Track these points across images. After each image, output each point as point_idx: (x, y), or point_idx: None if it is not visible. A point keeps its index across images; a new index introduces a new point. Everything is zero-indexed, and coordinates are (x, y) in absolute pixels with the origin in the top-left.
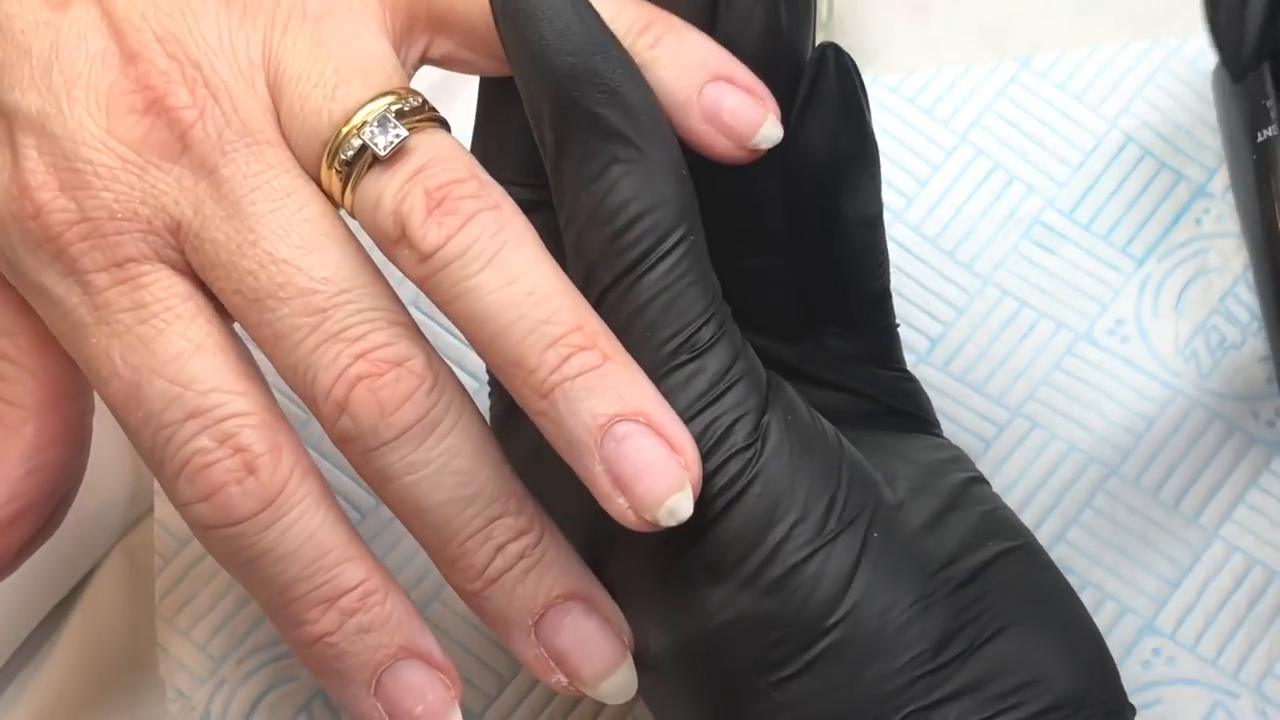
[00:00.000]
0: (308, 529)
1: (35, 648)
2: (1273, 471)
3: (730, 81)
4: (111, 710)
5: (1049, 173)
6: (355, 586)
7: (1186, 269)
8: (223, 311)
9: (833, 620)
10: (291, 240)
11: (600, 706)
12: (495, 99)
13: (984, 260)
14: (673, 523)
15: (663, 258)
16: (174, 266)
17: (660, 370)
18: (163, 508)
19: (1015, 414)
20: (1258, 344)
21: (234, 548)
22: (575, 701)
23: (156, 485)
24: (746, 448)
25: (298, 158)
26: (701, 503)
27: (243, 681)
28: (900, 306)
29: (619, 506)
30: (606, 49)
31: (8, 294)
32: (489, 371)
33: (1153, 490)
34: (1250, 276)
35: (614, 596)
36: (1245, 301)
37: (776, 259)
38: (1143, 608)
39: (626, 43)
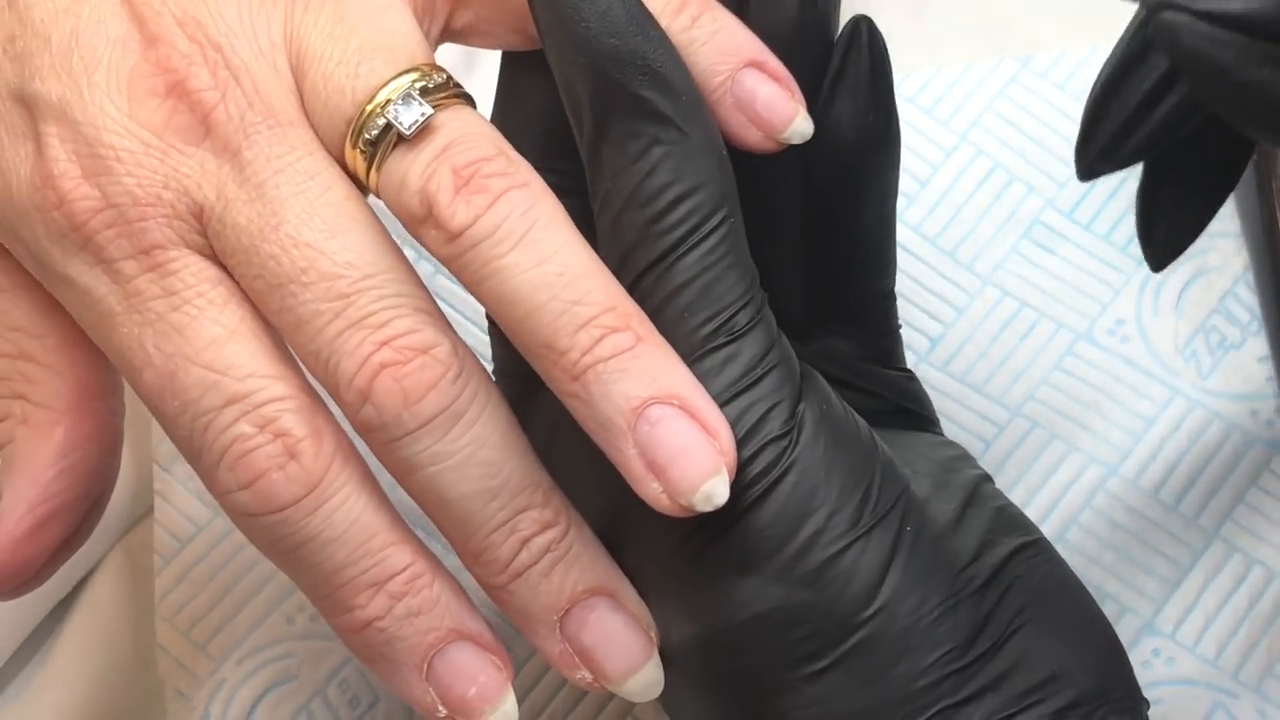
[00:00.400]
0: (352, 513)
1: (35, 647)
2: (1273, 471)
3: (762, 69)
4: (112, 710)
5: (1049, 173)
6: (403, 569)
7: (1186, 269)
8: None
9: (866, 615)
10: (315, 224)
11: (601, 705)
12: (516, 78)
13: (984, 260)
14: (709, 508)
15: (703, 239)
16: (200, 252)
17: (695, 353)
18: (163, 508)
19: (1015, 414)
20: (1258, 344)
21: (277, 535)
22: (577, 700)
23: (156, 485)
24: (781, 436)
25: (321, 139)
26: (734, 491)
27: (243, 681)
28: (900, 306)
29: (653, 491)
30: (646, 30)
31: (34, 296)
32: (497, 361)
33: (1153, 490)
34: (1250, 276)
35: (637, 585)
36: (1245, 301)
37: (789, 251)
38: (1143, 608)
39: (662, 23)
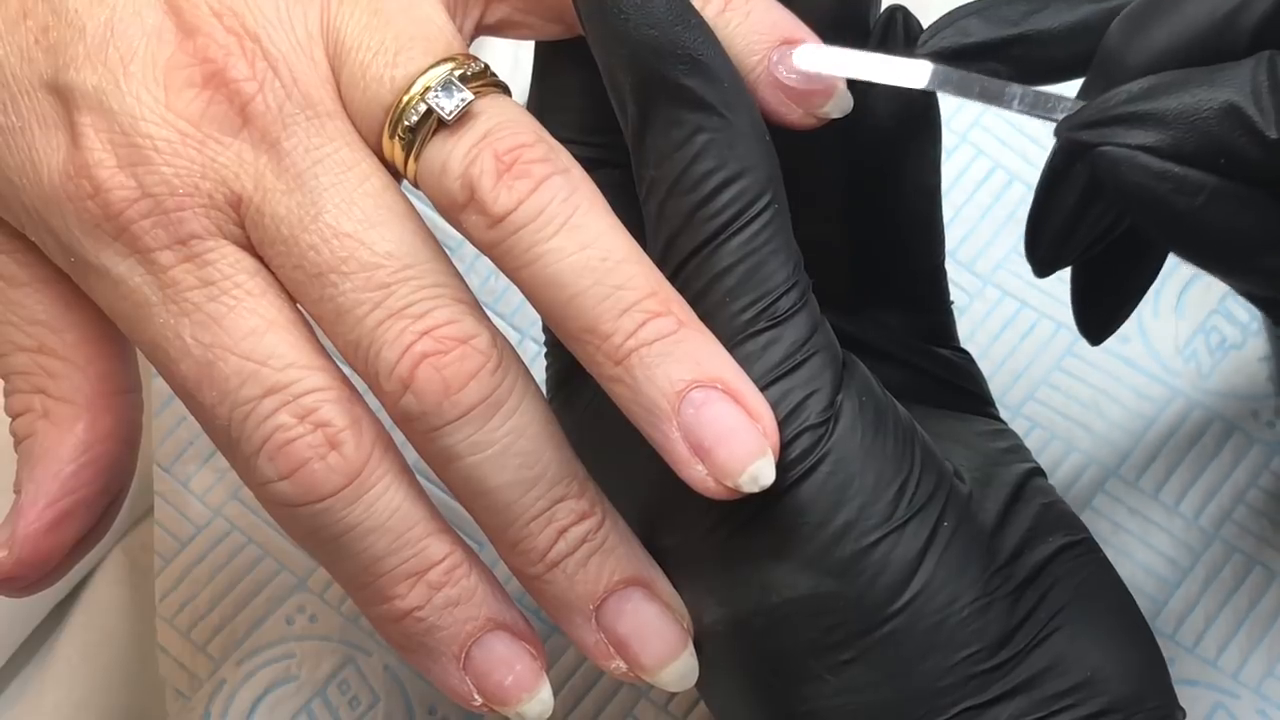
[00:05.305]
0: (393, 503)
1: (36, 647)
2: (1273, 471)
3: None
4: (112, 710)
5: None
6: (442, 559)
7: (1186, 269)
8: None
9: (894, 608)
10: (354, 214)
11: (601, 705)
12: (552, 56)
13: (984, 260)
14: (755, 489)
15: (747, 224)
16: (237, 242)
17: (736, 337)
18: (163, 508)
19: (1015, 414)
20: (1258, 344)
21: (317, 525)
22: (577, 699)
23: (156, 485)
24: (819, 424)
25: (358, 129)
26: None
27: (243, 681)
28: None
29: (697, 474)
30: (686, 19)
31: (56, 290)
32: (548, 332)
33: (1153, 491)
34: None
35: (669, 567)
36: (1245, 302)
37: (833, 227)
38: (1143, 609)
39: (695, 5)
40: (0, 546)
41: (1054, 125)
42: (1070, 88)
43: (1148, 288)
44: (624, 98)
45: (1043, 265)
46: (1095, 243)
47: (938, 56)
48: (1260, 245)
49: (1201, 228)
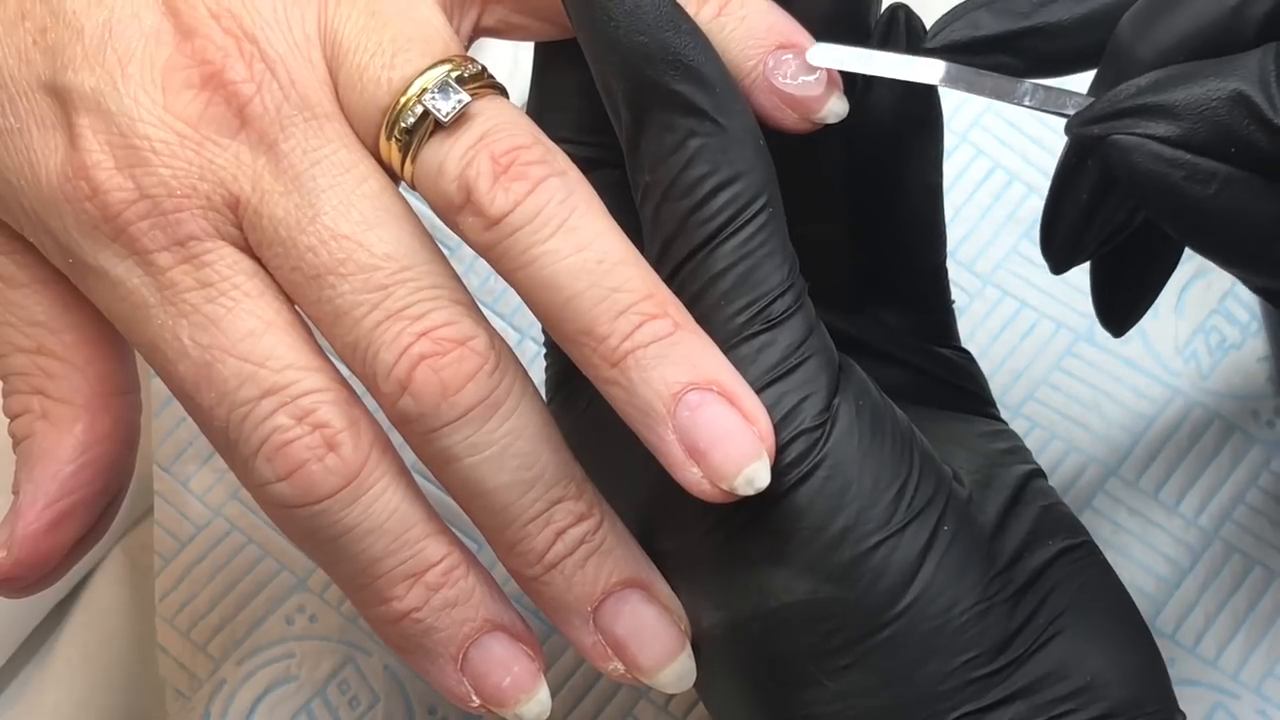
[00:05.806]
0: (391, 504)
1: (36, 647)
2: (1273, 471)
3: (795, 50)
4: (112, 710)
5: (1049, 172)
6: (440, 560)
7: (1186, 269)
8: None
9: (893, 613)
10: (352, 216)
11: (600, 706)
12: (551, 56)
13: (984, 260)
14: (750, 492)
15: (741, 228)
16: (235, 244)
17: (731, 340)
18: (163, 508)
19: (1015, 414)
20: (1258, 344)
21: (315, 526)
22: (576, 700)
23: (156, 485)
24: (815, 428)
25: (355, 131)
26: None
27: (243, 681)
28: None
29: (692, 476)
30: (677, 24)
31: (54, 291)
32: (545, 333)
33: (1152, 491)
34: None
35: (668, 570)
36: (1245, 301)
37: (834, 226)
38: (1142, 609)
39: (690, 11)
40: None
41: (1065, 121)
42: (1081, 81)
43: (1167, 279)
44: (617, 103)
45: (1058, 262)
46: (1110, 238)
47: (948, 50)
48: (1274, 235)
49: (1215, 217)
